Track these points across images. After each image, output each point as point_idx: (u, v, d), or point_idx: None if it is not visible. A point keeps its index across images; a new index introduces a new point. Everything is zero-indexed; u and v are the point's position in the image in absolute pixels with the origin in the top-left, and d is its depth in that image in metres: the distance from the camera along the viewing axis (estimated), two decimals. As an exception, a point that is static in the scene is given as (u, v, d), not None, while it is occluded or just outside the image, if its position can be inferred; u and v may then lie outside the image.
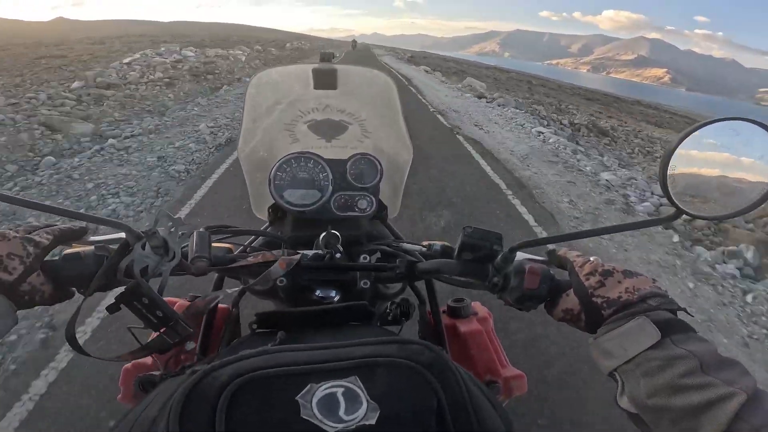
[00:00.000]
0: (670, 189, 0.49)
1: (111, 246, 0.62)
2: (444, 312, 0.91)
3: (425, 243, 0.81)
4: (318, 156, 0.85)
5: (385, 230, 0.92)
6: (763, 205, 0.47)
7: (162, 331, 0.56)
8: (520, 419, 1.81)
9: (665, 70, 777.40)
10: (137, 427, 0.40)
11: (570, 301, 0.58)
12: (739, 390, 0.39)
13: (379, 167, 0.86)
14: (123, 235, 0.61)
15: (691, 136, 0.48)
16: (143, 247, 0.59)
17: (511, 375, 0.84)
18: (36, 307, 0.57)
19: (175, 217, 0.61)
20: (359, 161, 0.86)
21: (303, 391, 0.37)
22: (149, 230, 0.58)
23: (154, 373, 0.71)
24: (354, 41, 56.06)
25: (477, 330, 0.87)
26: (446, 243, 0.76)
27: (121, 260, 0.58)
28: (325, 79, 0.86)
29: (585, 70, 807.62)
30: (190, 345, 0.76)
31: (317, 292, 0.73)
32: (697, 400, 0.40)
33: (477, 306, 0.94)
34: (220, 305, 0.87)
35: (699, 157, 0.50)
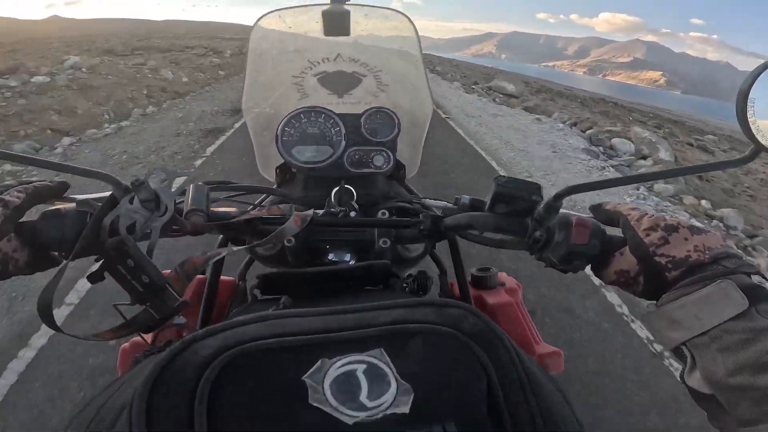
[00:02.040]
0: (750, 124, 0.44)
1: (97, 203, 0.54)
2: (468, 283, 0.83)
3: (455, 198, 0.72)
4: (329, 110, 0.78)
5: (403, 191, 0.85)
6: None
7: (148, 305, 0.48)
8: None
9: (661, 72, 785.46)
10: (103, 414, 0.31)
11: (625, 261, 0.51)
12: None
13: (396, 121, 0.79)
14: (110, 191, 0.53)
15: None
16: (131, 202, 0.52)
17: (546, 352, 0.77)
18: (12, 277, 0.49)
19: (169, 169, 0.54)
20: (375, 115, 0.79)
21: (312, 369, 0.28)
22: (137, 181, 0.51)
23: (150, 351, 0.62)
24: None
25: (507, 302, 0.79)
26: (476, 198, 0.68)
27: (105, 216, 0.51)
28: (337, 23, 0.80)
29: (581, 73, 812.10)
30: (180, 320, 0.66)
31: (330, 255, 0.67)
32: None
33: (504, 276, 0.87)
34: (224, 277, 0.79)
35: None
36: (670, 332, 0.44)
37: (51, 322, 0.48)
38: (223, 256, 0.55)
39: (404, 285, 0.80)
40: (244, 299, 0.78)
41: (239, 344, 0.28)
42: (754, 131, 0.44)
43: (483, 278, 0.83)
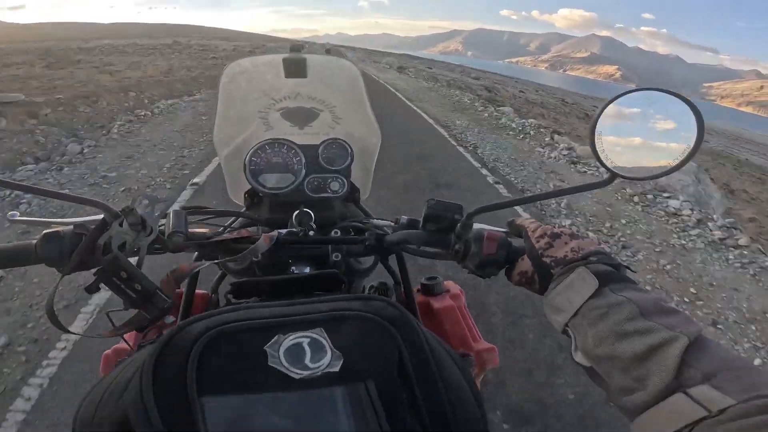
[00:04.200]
0: (600, 154, 0.53)
1: (90, 226, 0.63)
2: (418, 290, 0.96)
3: (394, 218, 0.85)
4: (291, 141, 0.89)
5: (358, 211, 0.97)
6: (684, 166, 0.51)
7: (141, 309, 0.57)
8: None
9: (616, 67, 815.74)
10: (112, 388, 0.42)
11: (524, 264, 0.61)
12: (680, 334, 0.39)
13: (349, 150, 0.90)
14: (102, 216, 0.62)
15: (612, 105, 0.52)
16: (121, 225, 0.60)
17: (483, 348, 0.89)
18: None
19: (152, 195, 0.63)
20: (330, 145, 0.90)
21: (271, 341, 0.39)
22: (126, 208, 0.60)
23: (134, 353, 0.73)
24: (328, 48, 48.10)
25: (450, 306, 0.92)
26: (413, 217, 0.81)
27: (100, 237, 0.60)
28: (296, 68, 0.89)
29: (543, 68, 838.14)
30: (169, 319, 0.76)
31: (292, 268, 0.77)
32: (640, 345, 0.40)
33: (449, 284, 1.00)
34: (198, 291, 0.89)
35: (625, 126, 0.54)
36: (555, 317, 0.52)
37: (56, 323, 0.58)
38: (205, 266, 0.65)
39: (366, 294, 0.92)
40: (226, 302, 0.87)
41: (218, 326, 0.40)
42: (603, 159, 0.53)
43: (431, 286, 0.96)
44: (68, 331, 0.61)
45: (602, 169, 0.53)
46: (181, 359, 0.37)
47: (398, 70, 28.53)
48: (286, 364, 0.38)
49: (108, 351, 0.82)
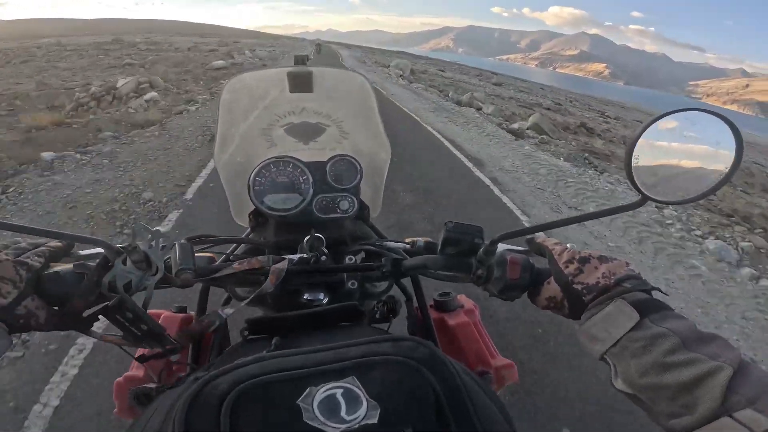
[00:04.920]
0: (635, 177, 0.51)
1: (90, 263, 0.59)
2: (431, 306, 0.93)
3: (408, 240, 0.83)
4: (297, 159, 0.85)
5: (368, 230, 0.94)
6: (721, 188, 0.49)
7: (145, 345, 0.56)
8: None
9: (605, 65, 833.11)
10: None
11: (552, 289, 0.60)
12: (725, 363, 0.40)
13: (358, 167, 0.87)
14: (102, 252, 0.58)
15: (651, 127, 0.50)
16: (124, 263, 0.57)
17: (501, 364, 0.86)
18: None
19: (154, 229, 0.59)
20: (338, 162, 0.87)
21: (303, 395, 0.37)
22: (128, 245, 0.57)
23: (148, 385, 0.70)
24: (318, 44, 44.87)
25: (465, 322, 0.89)
26: (429, 239, 0.79)
27: (101, 277, 0.56)
28: (301, 82, 0.86)
29: (533, 66, 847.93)
30: (175, 357, 0.74)
31: (305, 296, 0.74)
32: (686, 376, 0.41)
33: (463, 299, 0.97)
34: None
35: (660, 147, 0.52)
36: (592, 346, 0.51)
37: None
38: (223, 319, 0.62)
39: (375, 309, 0.89)
40: (225, 333, 0.85)
41: (248, 379, 0.37)
42: (638, 183, 0.51)
43: (444, 302, 0.93)
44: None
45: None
46: (213, 415, 0.35)
47: (418, 86, 17.98)
48: (322, 419, 0.36)
49: (120, 379, 0.79)
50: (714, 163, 0.49)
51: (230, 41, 46.44)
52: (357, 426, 0.36)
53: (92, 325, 0.56)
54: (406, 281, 0.90)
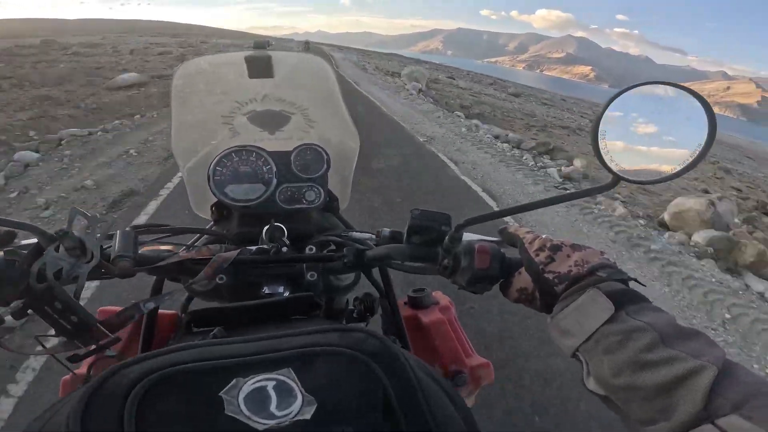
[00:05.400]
0: (604, 156, 0.49)
1: (22, 251, 0.55)
2: (405, 303, 0.90)
3: (376, 231, 0.79)
4: (260, 148, 0.82)
5: (337, 222, 0.91)
6: (695, 167, 0.47)
7: (76, 340, 0.52)
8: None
9: (590, 67, 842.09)
10: None
11: (523, 279, 0.57)
12: (708, 363, 0.37)
13: (325, 157, 0.84)
14: (36, 240, 0.55)
15: (615, 101, 0.48)
16: (57, 249, 0.53)
17: (476, 364, 0.84)
18: None
19: (90, 215, 0.55)
20: (304, 151, 0.84)
21: (227, 387, 0.34)
22: (61, 231, 0.53)
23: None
24: (307, 42, 42.85)
25: (439, 320, 0.86)
26: (396, 230, 0.75)
27: (32, 264, 0.52)
28: (260, 67, 0.82)
29: (521, 68, 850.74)
30: (111, 352, 0.69)
31: (264, 289, 0.70)
32: (664, 376, 0.37)
33: (438, 295, 0.94)
34: (166, 311, 0.81)
35: (629, 124, 0.49)
36: (563, 341, 0.48)
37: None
38: (150, 309, 0.57)
39: (352, 308, 0.87)
40: (186, 331, 0.79)
41: (162, 369, 0.34)
42: (607, 161, 0.49)
43: (418, 298, 0.89)
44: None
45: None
46: (116, 408, 0.32)
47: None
48: (247, 412, 0.33)
49: (66, 377, 0.74)
50: (686, 139, 0.47)
51: (197, 41, 40.30)
52: (288, 422, 0.33)
53: (25, 316, 0.51)
54: (379, 276, 0.87)
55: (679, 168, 0.48)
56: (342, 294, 0.85)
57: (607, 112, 0.48)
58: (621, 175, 0.49)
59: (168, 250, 0.71)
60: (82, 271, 0.54)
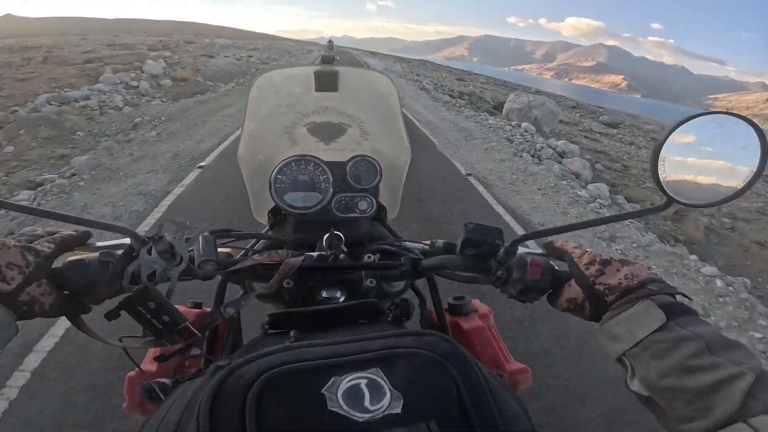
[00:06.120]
0: (661, 179, 0.52)
1: (116, 252, 0.60)
2: (445, 310, 0.93)
3: (426, 241, 0.83)
4: (318, 158, 0.86)
5: (385, 231, 0.94)
6: (747, 191, 0.50)
7: (165, 339, 0.56)
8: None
9: (622, 76, 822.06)
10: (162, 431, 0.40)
11: (572, 291, 0.60)
12: (747, 369, 0.40)
13: (378, 168, 0.87)
14: (128, 240, 0.60)
15: (678, 129, 0.51)
16: (149, 252, 0.58)
17: (516, 369, 0.86)
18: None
19: (179, 221, 0.60)
20: (359, 163, 0.87)
21: (328, 384, 0.38)
22: (155, 235, 0.58)
23: (162, 380, 0.71)
24: (330, 41, 36.15)
25: (480, 326, 0.89)
26: (448, 241, 0.79)
27: (127, 266, 0.58)
28: (327, 81, 0.88)
29: (549, 76, 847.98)
30: (195, 351, 0.76)
31: (323, 293, 0.74)
32: (707, 380, 0.41)
33: (477, 303, 0.97)
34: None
35: (687, 150, 0.53)
36: (611, 345, 0.51)
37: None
38: (241, 308, 0.64)
39: (388, 312, 0.89)
40: (238, 329, 0.88)
41: (273, 368, 0.38)
42: (664, 186, 0.52)
43: (458, 306, 0.92)
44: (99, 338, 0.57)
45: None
46: (238, 404, 0.36)
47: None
48: (346, 407, 0.37)
49: (132, 373, 0.79)
50: (740, 166, 0.51)
51: (175, 41, 29.23)
52: (381, 415, 0.37)
53: (118, 317, 0.53)
54: (420, 284, 0.92)
55: (730, 193, 0.51)
56: (389, 300, 0.89)
57: (668, 140, 0.51)
58: (674, 197, 0.53)
59: (229, 254, 0.77)
60: (173, 273, 0.59)
